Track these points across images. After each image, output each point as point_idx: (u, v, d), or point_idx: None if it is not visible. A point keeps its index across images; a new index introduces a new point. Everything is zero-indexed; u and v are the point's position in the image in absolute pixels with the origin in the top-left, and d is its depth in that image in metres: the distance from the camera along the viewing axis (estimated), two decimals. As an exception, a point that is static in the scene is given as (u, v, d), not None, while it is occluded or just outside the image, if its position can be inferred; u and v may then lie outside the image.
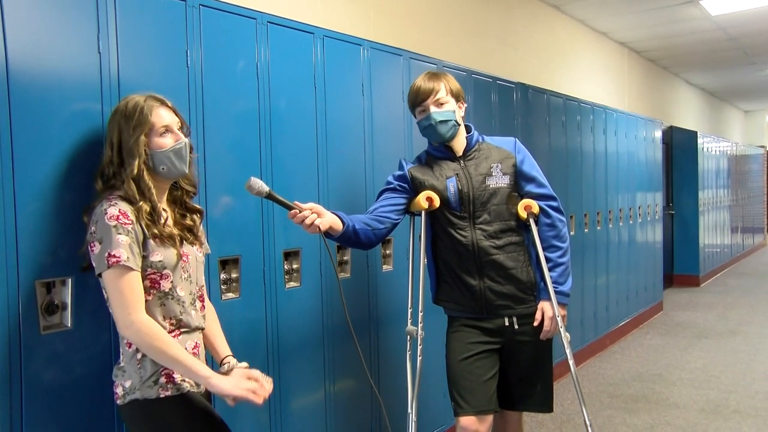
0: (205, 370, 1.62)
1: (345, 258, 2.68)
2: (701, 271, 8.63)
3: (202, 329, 1.78)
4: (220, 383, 1.62)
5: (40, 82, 1.68)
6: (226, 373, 1.76)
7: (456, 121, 2.28)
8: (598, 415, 3.86)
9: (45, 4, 1.71)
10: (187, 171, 1.74)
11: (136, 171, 1.63)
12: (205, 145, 2.09)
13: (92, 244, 1.59)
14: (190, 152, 1.76)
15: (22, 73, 1.64)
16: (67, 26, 1.75)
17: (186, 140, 1.72)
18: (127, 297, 1.57)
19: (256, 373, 1.73)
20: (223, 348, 1.84)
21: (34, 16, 1.68)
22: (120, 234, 1.57)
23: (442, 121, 2.26)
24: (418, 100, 2.29)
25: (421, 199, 2.27)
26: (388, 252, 2.89)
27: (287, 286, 2.40)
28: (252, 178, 1.91)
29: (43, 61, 1.69)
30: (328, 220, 2.07)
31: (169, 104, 1.73)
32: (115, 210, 1.59)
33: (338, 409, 2.62)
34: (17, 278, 1.61)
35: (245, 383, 1.66)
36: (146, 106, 1.66)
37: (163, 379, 1.64)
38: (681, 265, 8.59)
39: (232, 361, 1.81)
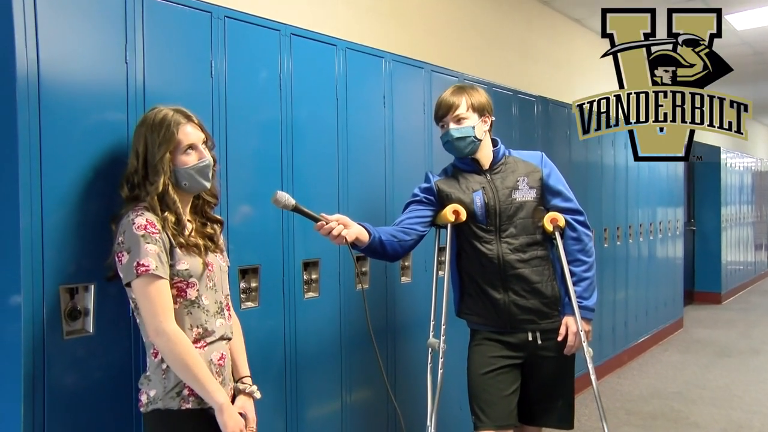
0: (221, 397, 1.64)
1: (364, 269, 2.68)
2: (723, 288, 8.49)
3: (229, 339, 1.79)
4: (228, 418, 1.64)
5: (69, 91, 1.72)
6: (240, 392, 1.80)
7: (475, 136, 2.28)
8: (616, 431, 3.81)
9: (76, 15, 1.74)
10: (208, 187, 1.76)
11: (161, 188, 1.65)
12: (227, 154, 2.11)
13: (120, 254, 1.61)
14: (213, 165, 1.77)
15: (53, 81, 1.67)
16: (95, 37, 1.79)
17: (209, 159, 1.73)
18: (157, 305, 1.59)
19: (251, 415, 1.78)
20: (242, 366, 1.85)
21: (65, 26, 1.71)
22: (148, 243, 1.59)
23: (459, 138, 2.27)
24: (439, 114, 2.32)
25: (448, 212, 2.27)
26: (406, 264, 2.89)
27: (306, 296, 2.40)
28: (278, 191, 1.93)
29: (72, 70, 1.73)
30: (355, 231, 2.08)
31: (196, 120, 1.74)
32: (143, 220, 1.61)
33: (354, 419, 2.61)
34: (42, 283, 1.64)
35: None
36: (173, 122, 1.67)
37: (186, 391, 1.64)
38: (702, 281, 8.47)
39: (254, 387, 1.83)
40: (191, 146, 1.70)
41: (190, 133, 1.70)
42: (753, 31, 6.36)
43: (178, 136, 1.67)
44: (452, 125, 2.28)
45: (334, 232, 2.01)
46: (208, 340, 1.70)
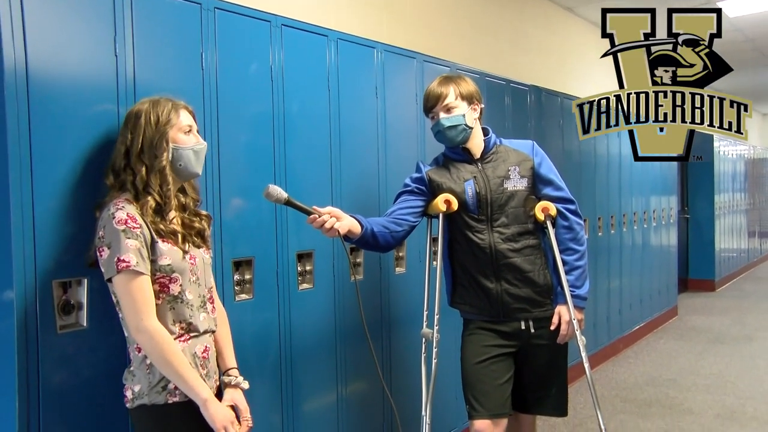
0: (204, 392, 1.64)
1: (358, 260, 2.68)
2: (717, 275, 8.53)
3: (213, 332, 1.79)
4: (214, 412, 1.63)
5: (59, 84, 1.71)
6: (227, 385, 1.80)
7: (466, 124, 2.28)
8: (611, 419, 3.83)
9: (63, 8, 1.73)
10: (200, 173, 1.77)
11: (164, 162, 1.66)
12: (219, 146, 2.10)
13: (101, 249, 1.60)
14: None
15: (42, 75, 1.66)
16: (84, 29, 1.77)
17: (204, 143, 1.76)
18: (138, 302, 1.58)
19: (243, 406, 1.78)
20: (229, 358, 1.85)
21: (53, 19, 1.70)
22: (129, 238, 1.58)
23: (450, 127, 2.27)
24: (428, 106, 2.31)
25: (439, 202, 2.27)
26: (401, 254, 2.89)
27: (300, 287, 2.40)
28: (270, 185, 1.92)
29: (61, 63, 1.72)
30: (347, 223, 2.08)
31: (191, 108, 1.77)
32: (123, 214, 1.59)
33: (350, 411, 2.62)
34: (35, 277, 1.63)
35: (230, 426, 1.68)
36: (172, 104, 1.70)
37: (171, 386, 1.64)
38: (696, 269, 8.51)
39: (239, 378, 1.82)
40: (190, 128, 1.73)
41: (187, 116, 1.74)
42: (745, 17, 6.37)
43: (178, 117, 1.70)
44: (442, 114, 2.27)
45: (327, 225, 2.02)
46: (192, 334, 1.70)
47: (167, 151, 1.67)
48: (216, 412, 1.64)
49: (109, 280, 1.61)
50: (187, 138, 1.72)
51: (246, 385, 1.83)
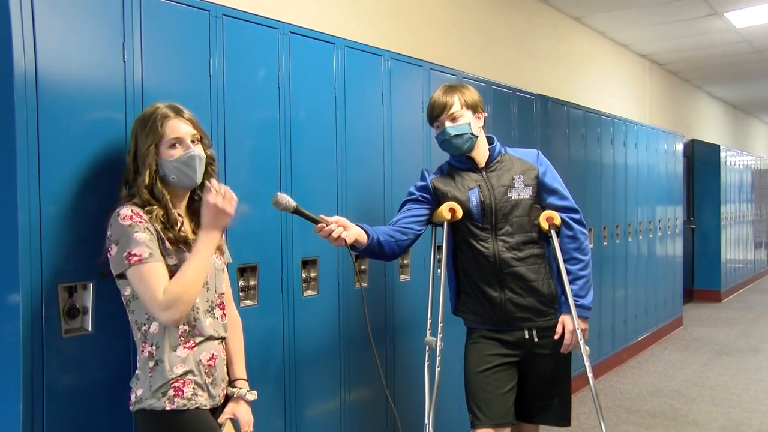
0: (209, 238, 1.65)
1: (363, 267, 2.68)
2: (722, 286, 8.49)
3: (222, 338, 1.77)
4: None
5: (67, 90, 1.72)
6: (230, 396, 1.79)
7: (472, 133, 2.28)
8: (615, 430, 3.81)
9: (73, 14, 1.75)
10: (198, 181, 1.72)
11: (147, 180, 1.65)
12: (225, 153, 2.11)
13: (109, 248, 1.61)
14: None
15: (50, 80, 1.67)
16: (93, 35, 1.79)
17: (195, 151, 1.69)
18: (152, 284, 1.56)
19: (245, 419, 1.79)
20: (238, 368, 1.84)
21: (62, 25, 1.71)
22: (137, 232, 1.58)
23: (456, 135, 2.27)
24: (433, 115, 2.31)
25: (444, 210, 2.27)
26: (405, 262, 2.89)
27: (305, 294, 2.41)
28: (278, 193, 1.92)
29: (70, 69, 1.73)
30: (354, 233, 2.09)
31: (187, 115, 1.71)
32: (128, 210, 1.60)
33: (353, 417, 2.61)
34: (41, 281, 1.64)
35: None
36: (160, 116, 1.67)
37: (171, 392, 1.62)
38: (702, 280, 8.47)
39: (244, 389, 1.81)
40: (178, 140, 1.68)
41: (176, 127, 1.68)
42: (752, 28, 6.37)
43: (162, 129, 1.66)
44: (448, 123, 2.28)
45: (334, 234, 2.02)
46: (197, 340, 1.68)
47: (149, 167, 1.65)
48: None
49: (121, 276, 1.61)
50: (173, 151, 1.67)
51: (252, 396, 1.82)
